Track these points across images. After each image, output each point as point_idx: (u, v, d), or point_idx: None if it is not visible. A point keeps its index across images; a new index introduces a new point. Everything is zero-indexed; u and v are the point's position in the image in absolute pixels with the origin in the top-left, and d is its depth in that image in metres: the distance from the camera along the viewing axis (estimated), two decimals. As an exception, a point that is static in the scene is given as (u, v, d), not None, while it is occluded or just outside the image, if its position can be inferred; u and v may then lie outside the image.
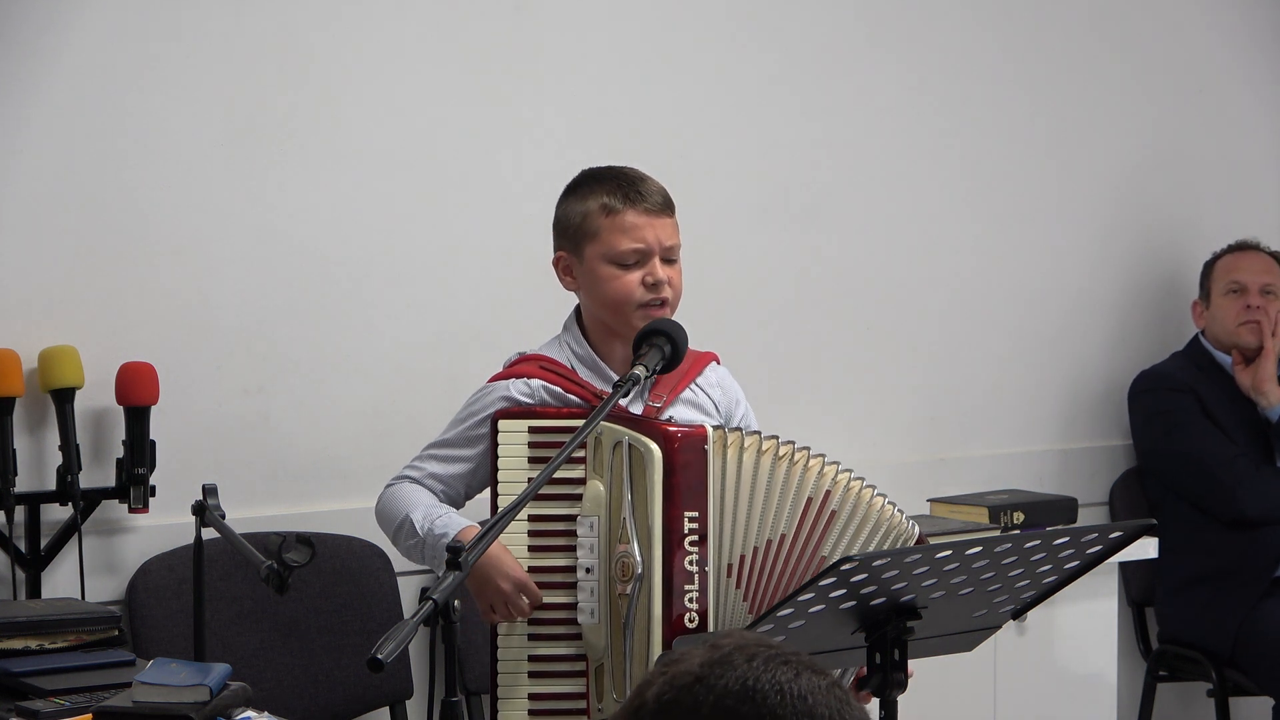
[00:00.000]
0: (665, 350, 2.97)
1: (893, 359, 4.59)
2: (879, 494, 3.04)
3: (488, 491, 3.08)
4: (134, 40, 3.61)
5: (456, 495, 3.18)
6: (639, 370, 2.93)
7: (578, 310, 3.21)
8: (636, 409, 3.07)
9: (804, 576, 2.97)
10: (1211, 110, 5.14)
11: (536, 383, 3.11)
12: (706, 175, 4.25)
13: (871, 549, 2.98)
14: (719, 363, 3.28)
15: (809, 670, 1.47)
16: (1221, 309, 4.77)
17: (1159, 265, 5.06)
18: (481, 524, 3.12)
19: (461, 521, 3.07)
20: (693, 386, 3.18)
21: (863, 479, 3.03)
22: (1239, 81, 5.19)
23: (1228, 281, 4.77)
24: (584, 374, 3.13)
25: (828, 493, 2.99)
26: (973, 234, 4.71)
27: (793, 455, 2.99)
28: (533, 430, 3.02)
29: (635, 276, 3.09)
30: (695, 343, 3.10)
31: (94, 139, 3.58)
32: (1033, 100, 4.80)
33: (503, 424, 3.03)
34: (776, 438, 3.01)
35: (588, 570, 2.97)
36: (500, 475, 3.02)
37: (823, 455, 3.01)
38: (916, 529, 3.07)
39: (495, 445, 3.03)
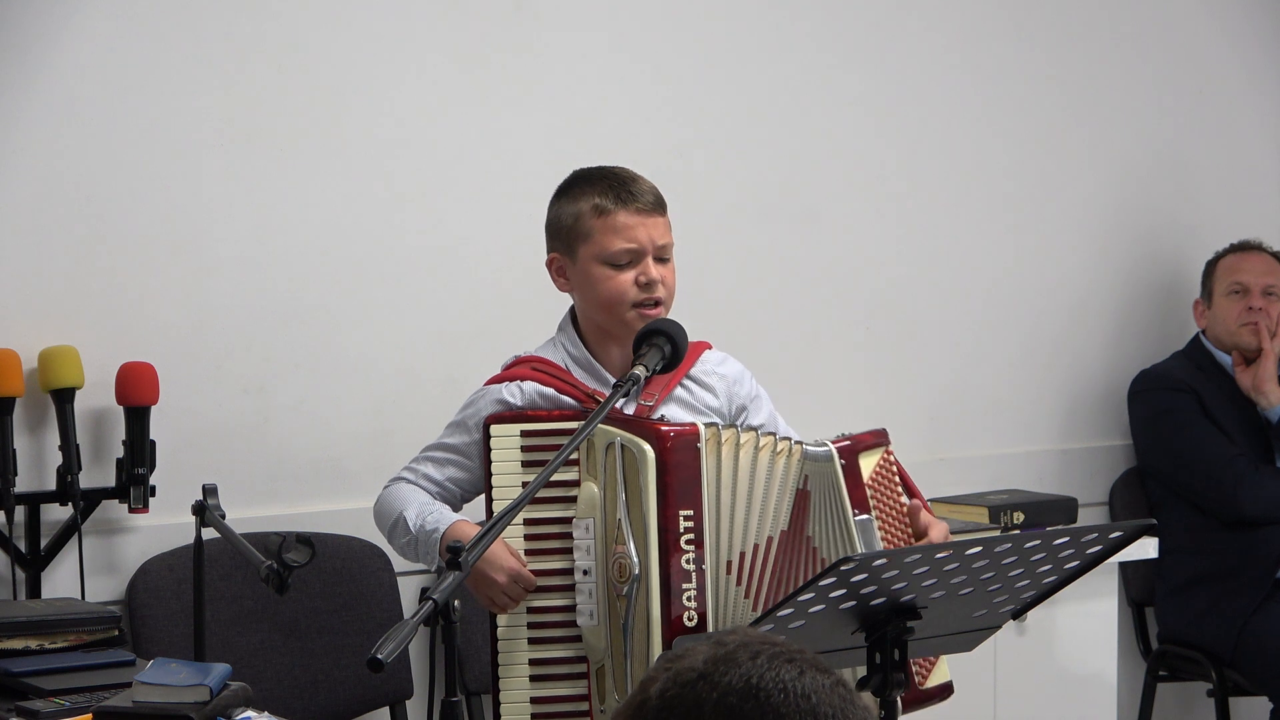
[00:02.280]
0: (665, 350, 2.98)
1: (893, 359, 4.59)
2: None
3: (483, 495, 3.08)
4: (134, 40, 3.61)
5: (452, 498, 3.18)
6: (639, 370, 2.93)
7: (572, 311, 3.21)
8: (629, 409, 3.07)
9: (799, 569, 2.98)
10: (1211, 110, 5.13)
11: (530, 385, 3.11)
12: (706, 175, 4.26)
13: (838, 514, 2.98)
14: (712, 348, 3.27)
15: (813, 668, 1.47)
16: (1223, 309, 4.77)
17: (1159, 265, 5.06)
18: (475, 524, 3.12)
19: (453, 516, 3.07)
20: (686, 383, 3.17)
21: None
22: (1239, 81, 5.18)
23: (1230, 282, 4.77)
24: (579, 375, 3.13)
25: (806, 477, 3.00)
26: (973, 234, 4.71)
27: (790, 450, 2.99)
28: (525, 434, 3.02)
29: (629, 276, 3.09)
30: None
31: (94, 139, 3.58)
32: (1033, 100, 4.80)
33: (494, 428, 3.03)
34: (773, 434, 3.01)
35: (585, 572, 2.97)
36: (494, 480, 3.01)
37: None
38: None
39: (488, 450, 3.03)
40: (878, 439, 3.08)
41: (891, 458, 3.09)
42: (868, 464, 3.03)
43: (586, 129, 4.08)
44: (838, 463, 2.99)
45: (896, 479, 3.09)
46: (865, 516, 2.99)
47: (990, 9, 4.72)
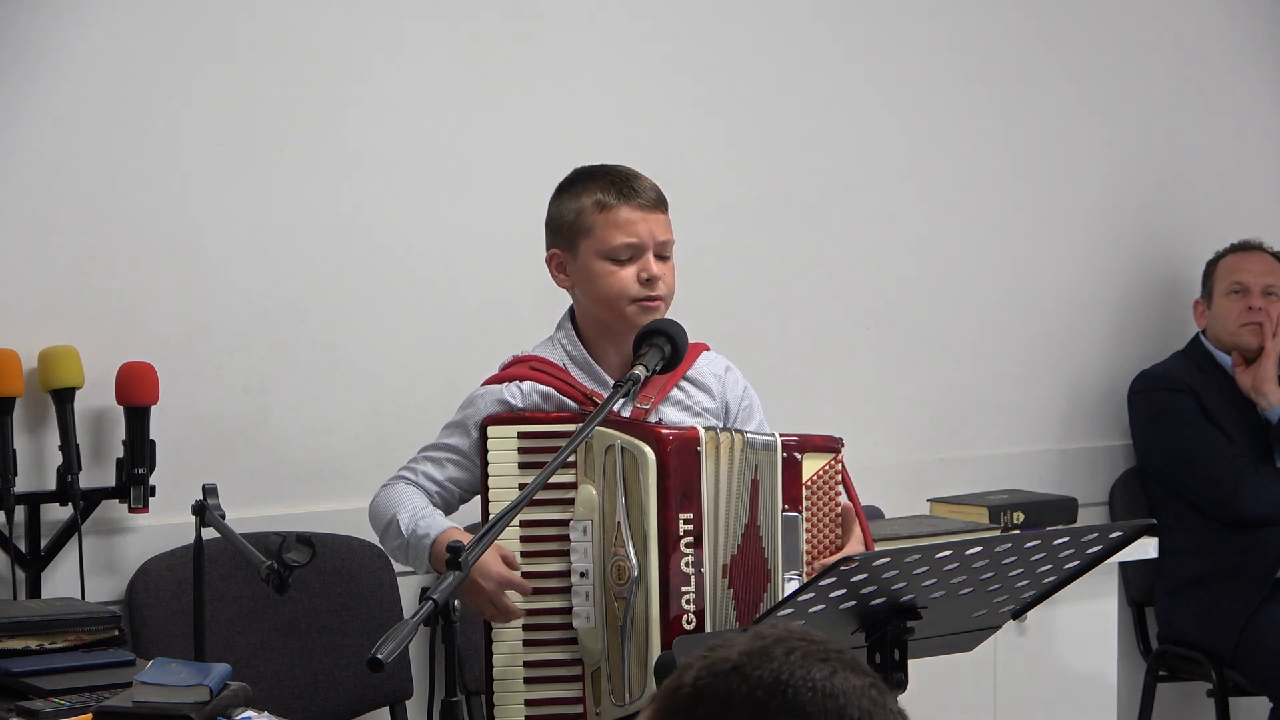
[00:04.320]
0: (665, 350, 2.98)
1: (893, 359, 4.59)
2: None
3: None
4: (134, 40, 3.61)
5: (450, 498, 3.17)
6: (639, 370, 2.93)
7: (571, 310, 3.21)
8: (625, 410, 3.07)
9: (752, 559, 2.97)
10: (1211, 110, 5.13)
11: (529, 386, 3.10)
12: (707, 174, 4.26)
13: (772, 507, 2.99)
14: (710, 350, 3.27)
15: (847, 669, 1.47)
16: (1223, 309, 4.77)
17: (1159, 265, 5.06)
18: (469, 529, 3.12)
19: (444, 523, 3.06)
20: (682, 384, 3.17)
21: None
22: (1239, 82, 5.19)
23: (1230, 282, 4.77)
24: (577, 374, 3.13)
25: (756, 466, 3.01)
26: (973, 234, 4.71)
27: (744, 440, 2.99)
28: (522, 436, 3.02)
29: (630, 272, 3.08)
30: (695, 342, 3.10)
31: (94, 139, 3.58)
32: (1033, 100, 4.80)
33: (492, 430, 3.03)
34: (741, 431, 3.02)
35: (582, 575, 2.97)
36: (491, 481, 3.01)
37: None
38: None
39: (485, 451, 3.02)
40: (829, 444, 3.07)
41: (839, 465, 3.07)
42: (812, 465, 3.03)
43: (588, 129, 4.07)
44: (779, 454, 2.99)
45: (839, 486, 3.07)
46: (793, 515, 2.99)
47: (991, 10, 4.72)
